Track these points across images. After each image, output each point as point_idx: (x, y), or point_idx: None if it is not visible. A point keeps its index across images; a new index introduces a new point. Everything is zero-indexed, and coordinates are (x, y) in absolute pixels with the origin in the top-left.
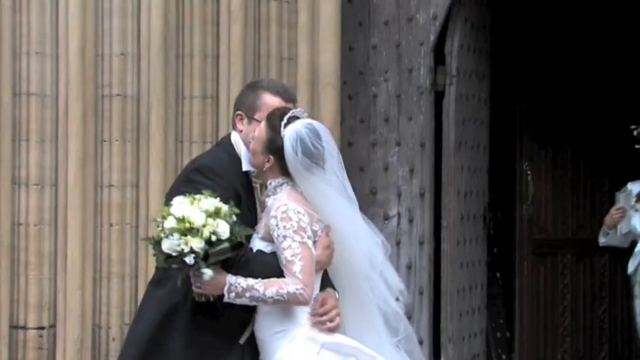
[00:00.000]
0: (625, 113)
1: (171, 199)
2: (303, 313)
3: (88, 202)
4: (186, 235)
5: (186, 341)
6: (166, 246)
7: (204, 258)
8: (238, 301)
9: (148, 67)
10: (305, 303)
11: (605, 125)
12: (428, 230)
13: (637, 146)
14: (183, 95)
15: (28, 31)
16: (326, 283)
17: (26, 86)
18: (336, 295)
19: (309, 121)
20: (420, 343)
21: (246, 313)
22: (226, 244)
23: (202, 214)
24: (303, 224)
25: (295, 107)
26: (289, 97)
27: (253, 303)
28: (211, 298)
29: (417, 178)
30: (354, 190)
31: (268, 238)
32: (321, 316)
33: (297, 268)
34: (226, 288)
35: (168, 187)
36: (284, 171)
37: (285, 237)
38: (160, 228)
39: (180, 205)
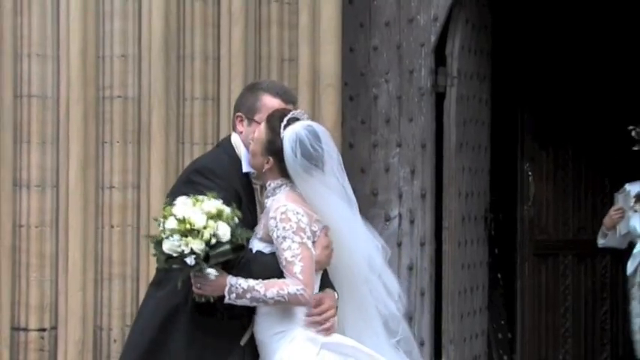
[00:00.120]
0: (626, 114)
1: (171, 201)
2: (303, 314)
3: (89, 203)
4: (186, 237)
5: (188, 341)
6: (167, 246)
7: (205, 259)
8: (239, 302)
9: (149, 69)
10: (306, 303)
11: (606, 126)
12: (429, 231)
13: (634, 147)
14: (184, 97)
15: (29, 33)
16: (326, 283)
17: (27, 88)
18: (335, 295)
19: (309, 122)
20: (422, 344)
21: (247, 314)
22: (227, 246)
23: (204, 215)
24: (302, 225)
25: (295, 109)
26: (289, 98)
27: (254, 304)
28: (211, 299)
29: (418, 179)
30: (355, 191)
31: (267, 239)
32: (317, 316)
33: (297, 268)
34: (227, 289)
35: (169, 188)
36: (283, 172)
37: (284, 238)
38: (161, 228)
39: (183, 205)
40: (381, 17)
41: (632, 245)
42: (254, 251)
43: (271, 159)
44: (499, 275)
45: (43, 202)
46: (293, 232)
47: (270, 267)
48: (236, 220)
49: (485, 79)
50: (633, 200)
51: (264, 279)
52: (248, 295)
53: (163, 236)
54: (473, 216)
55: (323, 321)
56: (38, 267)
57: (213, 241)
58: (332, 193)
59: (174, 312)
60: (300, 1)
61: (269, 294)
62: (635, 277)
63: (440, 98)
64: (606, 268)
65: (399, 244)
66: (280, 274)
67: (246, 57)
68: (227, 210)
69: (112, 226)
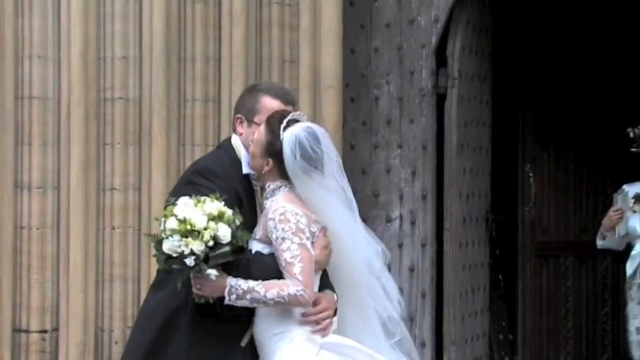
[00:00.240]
0: (627, 115)
1: (172, 202)
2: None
3: (90, 205)
4: (187, 237)
5: (189, 342)
6: (167, 246)
7: (205, 260)
8: (239, 303)
9: (150, 71)
10: (306, 304)
11: (607, 127)
12: (430, 232)
13: (632, 149)
14: (185, 98)
15: (30, 34)
16: (325, 284)
17: (28, 90)
18: (334, 297)
19: (309, 124)
20: (423, 345)
21: (247, 315)
22: (227, 248)
23: (204, 216)
24: (301, 226)
25: (295, 110)
26: (289, 99)
27: (254, 305)
28: (210, 300)
29: (419, 180)
30: (356, 192)
31: (266, 240)
32: (313, 315)
33: (296, 269)
34: (227, 290)
35: (171, 190)
36: (283, 174)
37: (283, 239)
38: (161, 227)
39: (184, 206)
40: (382, 19)
41: (629, 247)
42: (253, 252)
43: (271, 161)
44: (500, 276)
45: (44, 203)
46: (292, 233)
47: (270, 268)
48: (237, 222)
49: (486, 80)
50: (632, 201)
51: (263, 280)
52: (248, 296)
53: (164, 236)
54: (474, 217)
55: (318, 321)
56: (39, 269)
57: (211, 243)
58: (331, 195)
59: (174, 313)
60: (301, 3)
61: (269, 295)
62: (635, 278)
63: (441, 99)
64: (607, 269)
65: (400, 246)
66: (279, 275)
67: (247, 58)
68: (229, 212)
69: (113, 228)
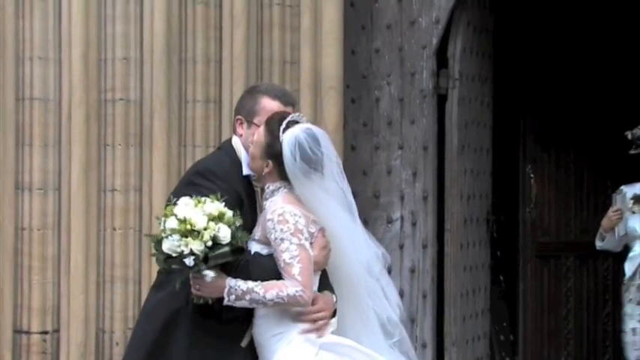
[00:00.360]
0: (628, 115)
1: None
2: (300, 315)
3: (91, 206)
4: (186, 237)
5: (190, 342)
6: (166, 246)
7: (204, 260)
8: (238, 304)
9: (150, 72)
10: (305, 305)
11: (608, 127)
12: (431, 233)
13: (631, 152)
14: (186, 99)
15: (31, 36)
16: (325, 285)
17: (29, 91)
18: (334, 298)
19: (308, 125)
20: (424, 346)
21: (246, 316)
22: (227, 249)
23: (205, 217)
24: (300, 226)
25: (295, 111)
26: (288, 100)
27: (253, 305)
28: (210, 301)
29: (420, 181)
30: (357, 193)
31: (265, 241)
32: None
33: (295, 270)
34: (226, 291)
35: (171, 191)
36: (282, 175)
37: (282, 240)
38: (161, 227)
39: (185, 206)
40: (383, 20)
41: (627, 248)
42: (252, 253)
43: (270, 162)
44: (501, 277)
45: (45, 204)
46: (291, 234)
47: (268, 268)
48: (237, 223)
49: (487, 81)
50: (631, 202)
51: (262, 280)
52: (247, 297)
53: (163, 235)
54: (475, 218)
55: (314, 320)
56: (40, 270)
57: (212, 242)
58: (331, 198)
59: (175, 314)
60: (301, 4)
61: (268, 295)
62: (634, 279)
63: (442, 100)
64: (608, 269)
65: (401, 247)
66: (278, 276)
67: (247, 60)
68: (229, 213)
69: (114, 229)
